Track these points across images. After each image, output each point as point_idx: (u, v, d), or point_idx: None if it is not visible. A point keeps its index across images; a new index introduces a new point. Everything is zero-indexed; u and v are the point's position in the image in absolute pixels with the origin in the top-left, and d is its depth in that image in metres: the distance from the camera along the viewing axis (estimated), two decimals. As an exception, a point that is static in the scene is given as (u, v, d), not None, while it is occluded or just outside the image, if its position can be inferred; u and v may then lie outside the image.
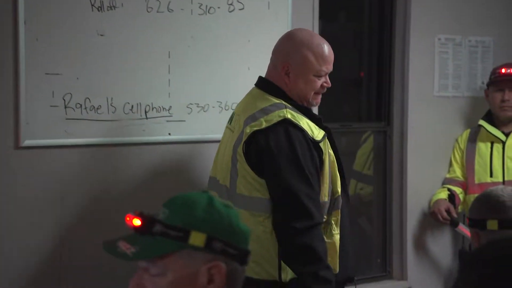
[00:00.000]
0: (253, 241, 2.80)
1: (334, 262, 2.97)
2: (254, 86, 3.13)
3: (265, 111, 2.93)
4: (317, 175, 2.89)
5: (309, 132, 2.89)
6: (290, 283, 2.89)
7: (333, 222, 2.98)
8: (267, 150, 2.87)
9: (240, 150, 2.92)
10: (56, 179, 3.22)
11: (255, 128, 2.89)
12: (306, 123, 2.91)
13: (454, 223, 4.19)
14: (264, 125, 2.88)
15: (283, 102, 2.96)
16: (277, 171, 2.85)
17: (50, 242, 3.23)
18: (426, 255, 4.41)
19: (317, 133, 2.93)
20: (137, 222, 1.71)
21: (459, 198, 4.29)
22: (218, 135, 3.55)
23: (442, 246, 4.45)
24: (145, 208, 1.92)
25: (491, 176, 4.18)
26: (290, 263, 2.87)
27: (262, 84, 3.08)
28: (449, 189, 4.30)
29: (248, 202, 2.91)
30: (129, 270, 1.74)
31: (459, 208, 4.32)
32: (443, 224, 4.28)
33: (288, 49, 3.03)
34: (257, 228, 2.86)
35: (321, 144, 2.92)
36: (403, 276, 4.37)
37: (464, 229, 4.17)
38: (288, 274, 2.89)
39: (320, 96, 3.08)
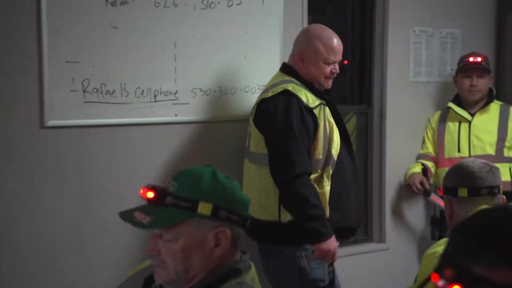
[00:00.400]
0: (261, 191, 3.13)
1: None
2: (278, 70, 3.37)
3: (275, 85, 3.20)
4: (307, 134, 3.09)
5: (305, 100, 3.11)
6: (287, 224, 3.12)
7: (325, 176, 3.17)
8: (267, 113, 3.13)
9: (251, 115, 3.24)
10: (75, 155, 3.22)
11: (262, 97, 3.20)
12: (304, 94, 3.14)
13: (426, 193, 4.21)
14: (270, 94, 3.16)
15: (293, 79, 3.21)
16: (272, 129, 3.11)
17: (71, 212, 3.24)
18: (402, 221, 4.42)
19: (312, 102, 3.14)
20: (150, 194, 1.71)
21: (431, 171, 4.29)
22: (219, 116, 3.57)
23: (416, 213, 4.46)
24: (156, 180, 1.93)
25: (458, 151, 4.18)
26: (285, 207, 3.11)
27: (283, 67, 3.34)
28: (422, 164, 4.31)
29: (257, 157, 3.20)
30: (140, 234, 1.75)
31: (431, 180, 4.32)
32: (417, 194, 4.29)
33: (303, 40, 3.27)
34: (265, 179, 3.14)
35: (315, 111, 3.12)
36: (382, 239, 4.39)
37: (435, 199, 4.18)
38: (286, 217, 3.11)
39: (330, 80, 3.30)
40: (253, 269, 1.79)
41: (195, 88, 3.50)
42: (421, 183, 4.19)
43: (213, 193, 1.70)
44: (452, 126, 4.24)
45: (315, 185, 3.13)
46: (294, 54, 3.30)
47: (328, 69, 3.23)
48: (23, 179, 3.10)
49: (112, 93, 3.26)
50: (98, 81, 3.21)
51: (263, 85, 3.61)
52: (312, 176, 3.12)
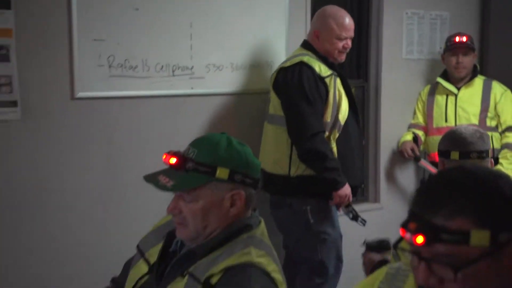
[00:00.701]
0: (276, 148, 3.23)
1: None
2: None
3: (293, 57, 3.29)
4: (320, 99, 3.18)
5: (317, 70, 3.20)
6: (296, 177, 3.23)
7: (331, 137, 3.26)
8: (284, 80, 3.22)
9: (270, 81, 3.32)
10: (103, 123, 3.24)
11: (281, 66, 3.28)
12: (317, 65, 3.22)
13: (417, 159, 4.20)
14: (287, 64, 3.25)
15: (309, 53, 3.30)
16: (288, 95, 3.20)
17: (100, 175, 3.26)
18: (395, 184, 4.43)
19: (325, 72, 3.23)
20: (173, 160, 1.70)
21: (421, 140, 4.28)
22: (231, 89, 3.57)
23: (407, 177, 4.46)
24: (174, 146, 1.93)
25: (446, 121, 4.16)
26: (305, 163, 3.20)
27: (303, 43, 3.41)
28: (413, 132, 4.30)
29: (274, 118, 3.29)
30: (162, 196, 1.74)
31: (421, 147, 4.31)
32: (409, 160, 4.29)
33: (319, 20, 3.36)
34: (280, 137, 3.25)
35: (327, 80, 3.21)
36: (376, 200, 4.40)
37: (424, 164, 4.18)
38: (296, 171, 3.23)
39: (344, 54, 3.39)
40: (262, 224, 1.80)
41: (209, 64, 3.49)
42: (412, 150, 4.19)
43: (229, 159, 1.70)
44: (440, 98, 4.22)
45: None
46: (311, 31, 3.39)
47: (340, 44, 3.32)
48: (55, 145, 3.12)
49: (135, 68, 3.25)
50: (122, 57, 3.21)
51: (271, 61, 3.62)
52: None
